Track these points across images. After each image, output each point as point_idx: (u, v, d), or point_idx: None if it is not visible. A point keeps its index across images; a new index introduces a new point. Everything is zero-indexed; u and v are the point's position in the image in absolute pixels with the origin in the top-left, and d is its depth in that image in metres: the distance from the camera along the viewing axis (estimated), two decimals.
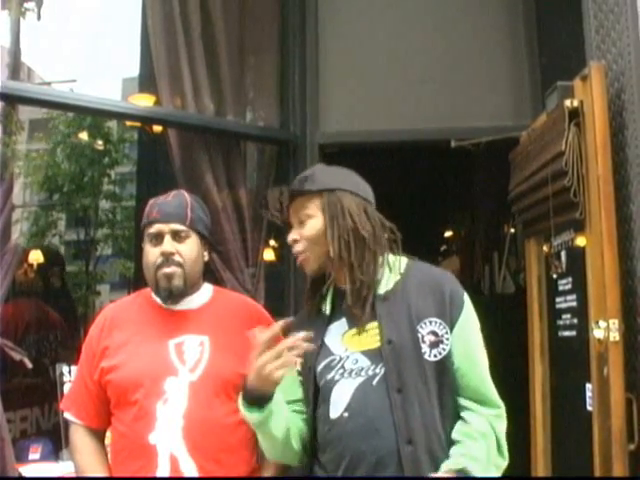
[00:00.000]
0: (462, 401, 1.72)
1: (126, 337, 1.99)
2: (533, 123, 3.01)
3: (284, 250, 3.57)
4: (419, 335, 1.69)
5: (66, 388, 2.67)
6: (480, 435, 1.67)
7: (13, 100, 2.70)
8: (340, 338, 1.76)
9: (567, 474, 2.70)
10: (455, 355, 1.71)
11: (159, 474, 1.85)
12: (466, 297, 1.77)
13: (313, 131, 3.53)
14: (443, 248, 8.93)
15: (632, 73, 2.25)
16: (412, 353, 1.68)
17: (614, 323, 2.21)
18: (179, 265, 1.98)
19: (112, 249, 22.95)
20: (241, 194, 3.32)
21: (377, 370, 1.68)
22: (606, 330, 2.22)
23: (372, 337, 1.72)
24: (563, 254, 2.70)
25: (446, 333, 1.70)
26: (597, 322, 2.26)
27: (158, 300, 2.05)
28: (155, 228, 2.01)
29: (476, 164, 6.20)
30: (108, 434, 2.06)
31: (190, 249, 2.02)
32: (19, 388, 3.44)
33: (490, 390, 1.74)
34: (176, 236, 2.00)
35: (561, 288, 2.73)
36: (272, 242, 4.33)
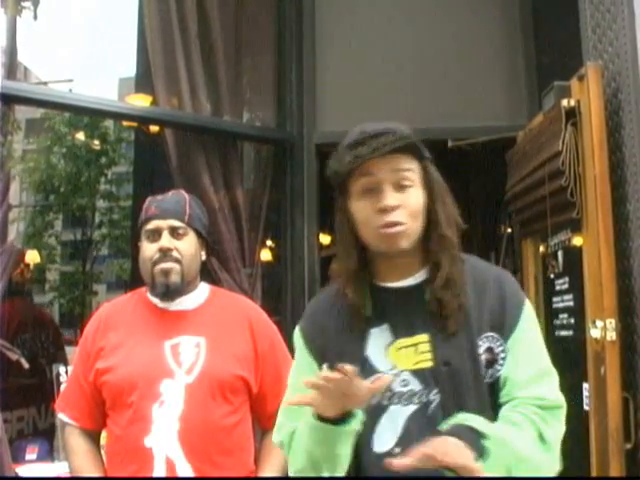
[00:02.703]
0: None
1: (121, 338, 1.98)
2: (530, 123, 3.01)
3: (281, 250, 3.57)
4: (478, 354, 1.41)
5: (63, 388, 2.67)
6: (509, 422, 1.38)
7: (10, 100, 2.69)
8: (384, 351, 1.44)
9: (564, 473, 2.69)
10: (505, 370, 1.42)
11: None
12: (527, 302, 1.51)
13: (310, 131, 3.53)
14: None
15: (629, 73, 2.25)
16: (472, 377, 1.40)
17: (611, 323, 2.21)
18: (176, 261, 1.97)
19: (109, 249, 23.00)
20: (238, 194, 3.32)
21: (431, 396, 1.39)
22: (603, 330, 2.22)
23: (422, 354, 1.42)
24: (560, 254, 2.70)
25: (502, 351, 1.42)
26: (594, 322, 2.26)
27: (154, 300, 2.04)
28: (153, 224, 2.00)
29: (473, 164, 6.20)
30: (104, 434, 2.06)
31: (188, 246, 2.01)
32: (16, 388, 3.43)
33: (552, 398, 1.46)
34: (174, 232, 2.00)
35: (558, 288, 2.73)
36: (269, 242, 4.34)
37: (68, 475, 2.11)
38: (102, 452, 2.06)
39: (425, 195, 1.45)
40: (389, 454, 1.34)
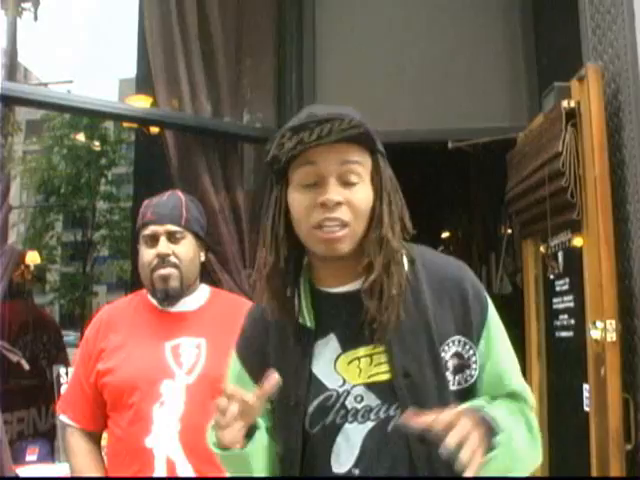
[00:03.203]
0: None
1: (122, 339, 1.98)
2: (530, 124, 3.01)
3: None
4: (443, 362, 1.28)
5: (63, 390, 2.67)
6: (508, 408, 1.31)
7: (10, 101, 2.69)
8: (331, 365, 1.30)
9: (564, 474, 2.70)
10: (482, 378, 1.32)
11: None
12: (487, 296, 1.37)
13: None
14: (440, 249, 8.94)
15: (629, 74, 2.25)
16: (435, 387, 1.27)
17: (611, 324, 2.21)
18: (175, 266, 1.97)
19: (109, 250, 22.97)
20: (238, 195, 3.31)
21: (391, 412, 1.26)
22: (603, 331, 2.22)
23: (377, 365, 1.28)
24: (560, 255, 2.70)
25: (473, 355, 1.30)
26: (594, 323, 2.26)
27: (154, 302, 2.04)
28: (150, 230, 2.00)
29: (473, 165, 6.21)
30: (104, 435, 2.06)
31: (186, 250, 2.01)
32: (16, 390, 3.43)
33: (526, 394, 1.38)
34: (171, 237, 1.99)
35: (558, 289, 2.73)
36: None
37: (69, 476, 2.11)
38: (103, 453, 2.06)
39: (372, 193, 1.28)
40: (349, 474, 1.26)
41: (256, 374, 1.30)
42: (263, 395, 1.18)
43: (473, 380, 1.31)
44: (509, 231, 5.36)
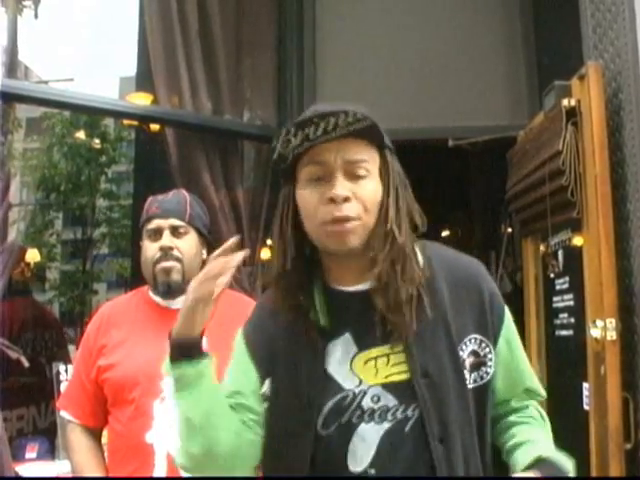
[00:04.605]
0: (512, 401, 1.40)
1: (123, 335, 1.98)
2: (530, 122, 3.01)
3: None
4: (461, 360, 1.28)
5: (63, 387, 2.67)
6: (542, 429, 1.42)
7: (10, 98, 2.69)
8: (347, 365, 1.28)
9: None
10: (500, 377, 1.34)
11: (156, 474, 1.85)
12: (500, 295, 1.38)
13: None
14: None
15: (629, 72, 2.25)
16: (455, 387, 1.26)
17: (611, 322, 2.21)
18: (177, 260, 1.98)
19: (109, 248, 22.97)
20: (238, 193, 3.32)
21: (409, 412, 1.24)
22: (603, 329, 2.22)
23: (395, 365, 1.26)
24: (560, 253, 2.70)
25: (489, 352, 1.30)
26: (594, 321, 2.26)
27: (155, 298, 2.05)
28: (154, 223, 2.01)
29: (473, 163, 6.21)
30: (105, 432, 2.06)
31: (189, 245, 2.02)
32: (15, 387, 3.43)
33: (538, 388, 1.46)
34: (175, 232, 2.01)
35: (558, 287, 2.73)
36: (269, 241, 4.33)
37: (69, 474, 2.11)
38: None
39: (381, 188, 1.27)
40: (365, 474, 1.24)
41: (260, 363, 1.33)
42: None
43: (489, 378, 1.30)
44: (509, 230, 5.36)
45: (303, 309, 1.30)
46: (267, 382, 1.32)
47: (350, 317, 1.29)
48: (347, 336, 1.29)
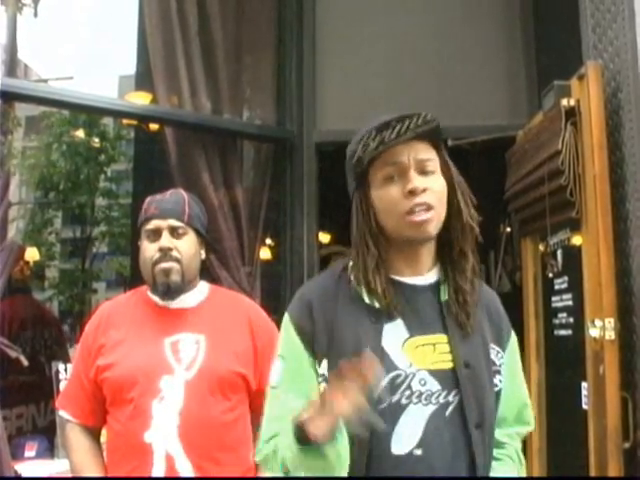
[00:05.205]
0: (500, 433, 1.47)
1: (122, 335, 1.98)
2: (530, 122, 3.02)
3: (280, 249, 3.58)
4: (491, 360, 1.42)
5: (62, 386, 2.67)
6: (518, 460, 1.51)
7: (10, 97, 2.69)
8: (400, 347, 1.36)
9: (562, 473, 2.71)
10: (505, 389, 1.44)
11: (154, 473, 1.85)
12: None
13: (310, 129, 3.54)
14: None
15: (629, 72, 2.25)
16: (488, 381, 1.39)
17: (610, 322, 2.21)
18: (176, 261, 1.99)
19: (108, 247, 22.97)
20: (237, 192, 3.32)
21: (450, 398, 1.34)
22: (602, 329, 2.22)
23: (440, 354, 1.36)
24: (559, 253, 2.70)
25: (502, 364, 1.44)
26: (593, 321, 2.26)
27: (154, 298, 2.05)
28: (153, 224, 2.01)
29: (472, 163, 6.20)
30: (104, 432, 2.06)
31: (187, 245, 2.02)
32: (15, 385, 3.43)
33: (529, 416, 1.56)
34: (174, 232, 2.01)
35: (557, 287, 2.73)
36: (268, 241, 4.33)
37: (68, 473, 2.11)
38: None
39: (446, 184, 1.40)
40: (410, 456, 1.29)
41: (313, 346, 1.37)
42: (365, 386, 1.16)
43: (501, 386, 1.42)
44: (508, 229, 5.36)
45: (361, 293, 1.39)
46: (324, 362, 1.36)
47: (403, 305, 1.38)
48: (399, 322, 1.37)
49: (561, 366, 2.75)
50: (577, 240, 2.49)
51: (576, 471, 2.46)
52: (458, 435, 1.32)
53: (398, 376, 1.33)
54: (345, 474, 1.26)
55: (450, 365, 1.35)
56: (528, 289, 3.06)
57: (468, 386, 1.34)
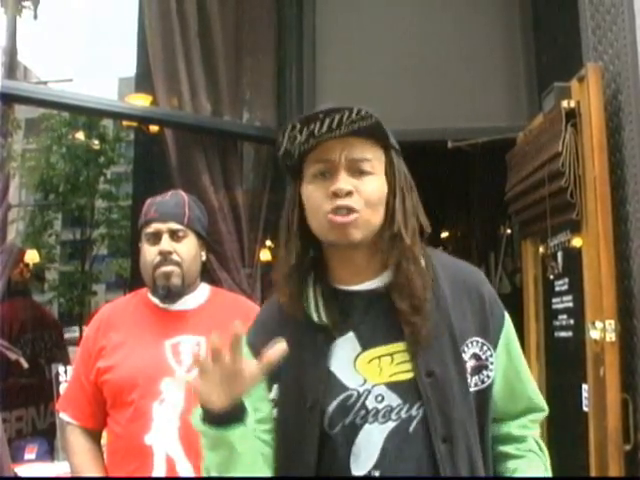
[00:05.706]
0: (512, 425, 1.40)
1: (122, 337, 1.98)
2: (530, 124, 3.01)
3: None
4: (463, 362, 1.29)
5: (62, 388, 2.67)
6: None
7: (9, 99, 2.69)
8: (351, 364, 1.28)
9: (563, 474, 2.70)
10: (499, 381, 1.34)
11: (155, 475, 1.84)
12: (500, 301, 1.40)
13: None
14: (439, 249, 8.91)
15: (629, 74, 2.25)
16: (458, 388, 1.27)
17: (610, 324, 2.21)
18: (177, 264, 1.98)
19: (108, 249, 22.96)
20: (237, 194, 3.32)
21: (413, 412, 1.24)
22: (602, 331, 2.22)
23: (398, 364, 1.27)
24: (559, 255, 2.70)
25: (490, 356, 1.31)
26: (593, 323, 2.26)
27: (154, 300, 2.05)
28: (153, 227, 2.01)
29: (473, 165, 6.20)
30: (104, 434, 2.06)
31: (188, 248, 2.02)
32: (15, 388, 3.43)
33: (540, 401, 1.45)
34: (174, 235, 2.00)
35: (557, 289, 2.73)
36: (268, 242, 4.33)
37: (68, 475, 2.11)
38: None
39: (387, 188, 1.30)
40: (368, 477, 1.23)
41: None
42: (268, 363, 1.16)
43: (490, 382, 1.31)
44: (508, 231, 5.37)
45: (307, 308, 1.30)
46: (275, 387, 1.31)
47: (353, 316, 1.30)
48: (351, 335, 1.29)
49: (561, 368, 2.75)
50: (577, 242, 2.49)
51: (577, 473, 2.45)
52: (422, 451, 1.23)
53: (349, 397, 1.26)
54: (269, 472, 1.27)
55: (410, 375, 1.25)
56: (528, 291, 3.06)
57: (432, 397, 1.24)
